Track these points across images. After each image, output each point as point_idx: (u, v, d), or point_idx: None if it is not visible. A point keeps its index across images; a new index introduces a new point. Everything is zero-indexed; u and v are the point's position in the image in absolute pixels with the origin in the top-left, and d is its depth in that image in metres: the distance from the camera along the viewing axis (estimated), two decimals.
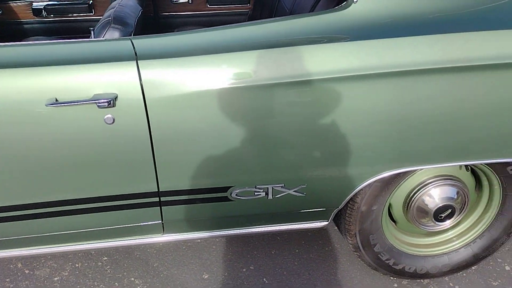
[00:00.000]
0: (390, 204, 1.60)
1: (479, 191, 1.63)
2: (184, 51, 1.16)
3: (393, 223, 1.67)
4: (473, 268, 1.76)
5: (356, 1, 1.22)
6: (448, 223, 1.57)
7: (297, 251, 1.86)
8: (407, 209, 1.56)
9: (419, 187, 1.52)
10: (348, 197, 1.39)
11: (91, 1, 2.47)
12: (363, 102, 1.21)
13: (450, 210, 1.53)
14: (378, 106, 1.22)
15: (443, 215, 1.54)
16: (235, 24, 1.24)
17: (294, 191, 1.35)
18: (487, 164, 1.44)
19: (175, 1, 2.70)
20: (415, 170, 1.44)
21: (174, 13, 2.73)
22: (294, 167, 1.29)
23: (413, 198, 1.54)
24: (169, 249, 1.87)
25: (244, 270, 1.78)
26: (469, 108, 1.25)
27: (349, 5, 1.22)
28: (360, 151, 1.28)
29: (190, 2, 2.70)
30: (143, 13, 1.97)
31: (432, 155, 1.33)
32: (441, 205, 1.51)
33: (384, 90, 1.20)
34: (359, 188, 1.36)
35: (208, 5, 2.71)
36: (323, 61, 1.17)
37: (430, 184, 1.51)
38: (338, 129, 1.23)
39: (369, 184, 1.39)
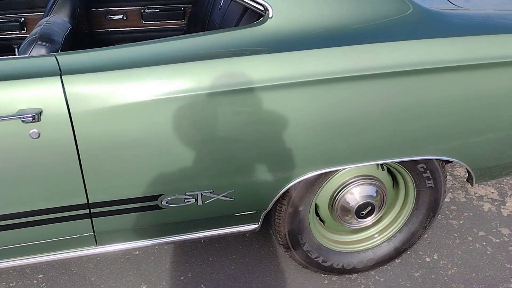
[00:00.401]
0: (317, 205, 1.71)
1: (396, 189, 1.77)
2: (108, 66, 1.21)
3: (322, 223, 1.78)
4: (396, 261, 1.89)
5: (272, 17, 1.32)
6: (369, 219, 1.69)
7: (234, 256, 1.92)
8: (332, 208, 1.67)
9: (341, 187, 1.64)
10: (275, 199, 1.47)
11: (22, 19, 2.45)
12: (284, 109, 1.30)
13: (370, 207, 1.66)
14: (299, 112, 1.31)
15: (364, 212, 1.66)
16: (158, 39, 1.31)
17: (223, 196, 1.42)
18: (399, 162, 1.58)
19: (110, 17, 2.73)
20: (336, 171, 1.55)
21: (109, 30, 2.76)
22: (220, 172, 1.36)
23: (336, 198, 1.65)
24: (107, 263, 1.88)
25: (182, 278, 1.82)
26: (378, 112, 1.37)
27: (266, 20, 1.32)
28: (284, 154, 1.37)
29: (125, 18, 2.73)
30: (75, 30, 1.99)
31: (350, 156, 1.44)
32: (361, 202, 1.64)
33: (302, 97, 1.30)
34: (284, 190, 1.45)
35: (143, 21, 2.75)
36: (243, 72, 1.25)
37: (351, 184, 1.63)
38: (261, 134, 1.32)
39: (294, 186, 1.49)
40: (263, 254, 1.93)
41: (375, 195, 1.66)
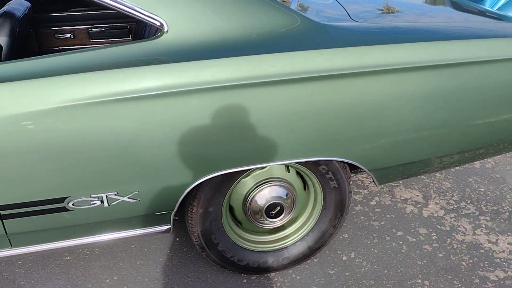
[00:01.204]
0: (232, 206, 1.82)
1: (308, 191, 1.89)
2: (10, 77, 1.32)
3: (240, 224, 1.88)
4: (315, 260, 2.00)
5: (167, 31, 1.44)
6: (279, 219, 1.80)
7: (161, 259, 2.02)
8: (245, 209, 1.78)
9: (251, 189, 1.75)
10: (179, 200, 1.58)
11: None
12: (181, 113, 1.41)
13: (279, 208, 1.77)
14: (194, 116, 1.42)
15: (273, 212, 1.78)
16: (62, 52, 1.42)
17: (128, 197, 1.52)
18: (302, 164, 1.69)
19: (59, 36, 2.85)
20: (246, 173, 1.66)
21: (57, 48, 2.88)
22: (123, 175, 1.46)
23: (247, 200, 1.76)
24: (38, 268, 1.96)
25: (107, 280, 1.90)
26: (273, 117, 1.49)
27: (162, 35, 1.45)
28: (184, 157, 1.48)
29: (73, 37, 2.86)
30: (23, 48, 2.10)
31: (248, 158, 1.54)
32: (270, 203, 1.75)
33: (196, 103, 1.41)
34: (187, 191, 1.55)
35: (90, 40, 2.88)
36: (137, 81, 1.37)
37: (261, 186, 1.75)
38: (161, 138, 1.43)
39: (202, 187, 1.60)
40: (189, 257, 2.02)
41: (284, 196, 1.77)
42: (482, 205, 2.37)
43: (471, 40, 1.65)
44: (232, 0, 1.48)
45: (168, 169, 1.49)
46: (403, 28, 1.73)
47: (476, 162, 2.77)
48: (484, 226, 2.22)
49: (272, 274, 1.93)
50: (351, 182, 1.81)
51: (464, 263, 1.98)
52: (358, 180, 2.58)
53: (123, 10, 1.39)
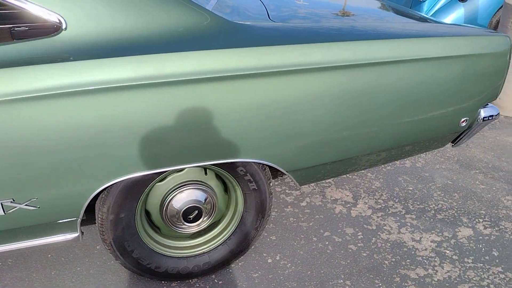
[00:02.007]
0: (149, 212, 1.75)
1: (229, 193, 1.85)
2: None
3: (159, 229, 1.82)
4: (239, 264, 1.96)
5: (66, 28, 1.36)
6: (198, 224, 1.75)
7: (78, 269, 1.92)
8: (162, 214, 1.72)
9: (168, 193, 1.69)
10: (83, 207, 1.50)
11: None
12: (74, 116, 1.33)
13: (197, 212, 1.72)
14: (87, 119, 1.34)
15: (191, 216, 1.72)
16: None
17: (26, 205, 1.43)
18: (219, 166, 1.65)
19: None
20: (155, 176, 1.59)
21: None
22: (18, 180, 1.37)
23: (164, 204, 1.70)
24: None
25: None
26: (175, 118, 1.43)
27: (60, 32, 1.36)
28: (83, 162, 1.39)
29: None
30: None
31: (152, 162, 1.47)
32: (187, 207, 1.69)
33: (89, 105, 1.34)
34: (90, 197, 1.47)
35: (13, 39, 2.74)
36: (29, 81, 1.28)
37: (177, 190, 1.69)
38: (57, 143, 1.35)
39: (110, 193, 1.53)
40: (108, 266, 1.94)
41: (202, 200, 1.72)
42: (409, 204, 2.41)
43: (387, 40, 1.66)
44: None
45: (67, 174, 1.41)
46: (320, 29, 1.72)
47: (406, 162, 2.83)
48: (409, 224, 2.25)
49: (194, 280, 1.87)
50: (271, 184, 1.78)
51: (386, 262, 2.00)
52: (291, 181, 2.56)
53: (18, 5, 1.30)
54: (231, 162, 1.63)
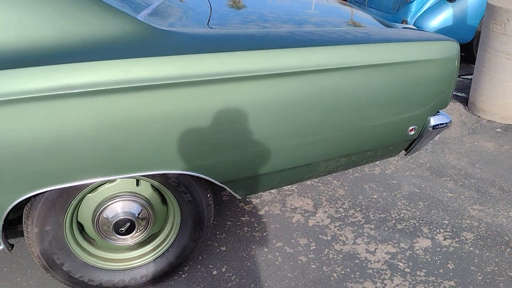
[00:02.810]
0: (82, 224, 1.71)
1: (167, 205, 1.80)
2: None
3: (94, 242, 1.78)
4: (183, 276, 1.91)
5: None
6: (131, 236, 1.70)
7: (19, 279, 1.89)
8: (94, 227, 1.68)
9: (99, 205, 1.65)
10: (1, 219, 1.46)
11: None
12: None
13: (129, 224, 1.67)
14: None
15: (123, 229, 1.68)
16: None
17: None
18: (149, 177, 1.60)
19: None
20: (80, 187, 1.55)
21: None
22: None
23: (95, 216, 1.66)
24: None
25: None
26: (90, 130, 1.38)
27: None
28: None
29: None
30: None
31: (70, 173, 1.42)
32: (118, 219, 1.65)
33: (5, 117, 1.30)
34: (7, 210, 1.44)
35: None
36: None
37: (108, 202, 1.65)
38: None
39: (33, 205, 1.49)
40: (49, 276, 1.90)
41: (135, 212, 1.67)
42: (370, 213, 2.33)
43: (322, 46, 1.60)
44: (48, 1, 1.37)
45: None
46: (256, 36, 1.65)
47: (376, 168, 2.75)
48: (366, 235, 2.18)
49: None
50: (209, 195, 1.73)
51: (335, 275, 1.93)
52: None
53: None
54: (163, 173, 1.58)
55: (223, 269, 1.96)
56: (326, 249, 2.08)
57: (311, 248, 2.09)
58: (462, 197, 2.47)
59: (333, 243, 2.12)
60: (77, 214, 1.69)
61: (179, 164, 1.54)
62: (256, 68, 1.50)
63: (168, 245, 1.80)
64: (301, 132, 1.62)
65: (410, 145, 1.94)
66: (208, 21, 1.76)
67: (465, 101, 3.78)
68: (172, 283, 1.89)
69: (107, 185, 1.66)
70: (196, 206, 1.72)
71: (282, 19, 1.90)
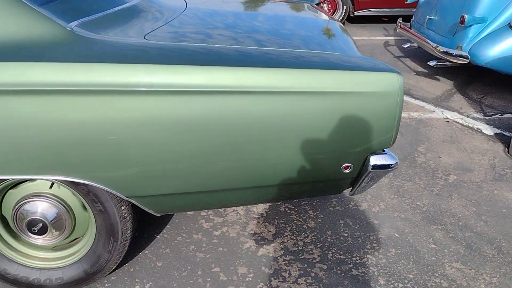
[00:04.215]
0: (5, 217, 1.77)
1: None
2: None
3: (19, 237, 1.83)
4: (106, 285, 1.90)
5: None
6: (43, 237, 1.73)
7: None
8: (14, 223, 1.73)
9: (17, 202, 1.69)
10: None
11: None
12: None
13: (41, 225, 1.70)
14: None
15: (35, 229, 1.71)
16: None
17: None
18: (60, 181, 1.61)
19: None
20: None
21: None
22: None
23: (14, 212, 1.71)
24: None
25: None
26: None
27: None
28: None
29: None
30: None
31: None
32: (30, 218, 1.68)
33: None
34: None
35: None
36: None
37: (25, 200, 1.69)
38: None
39: None
40: None
41: (47, 213, 1.69)
42: (330, 252, 2.14)
43: (243, 67, 1.49)
44: None
45: None
46: (181, 50, 1.57)
47: (363, 203, 2.51)
48: (313, 275, 1.99)
49: None
50: (124, 207, 1.69)
51: None
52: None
53: None
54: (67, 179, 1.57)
55: (147, 286, 1.91)
56: (261, 283, 1.94)
57: (246, 279, 1.96)
58: (446, 251, 2.16)
59: (272, 278, 1.97)
60: (0, 208, 1.75)
61: (72, 172, 1.51)
62: (155, 82, 1.43)
63: (84, 252, 1.80)
64: (203, 156, 1.52)
65: (354, 185, 1.74)
66: (150, 32, 1.73)
67: (508, 142, 3.34)
68: None
69: (28, 183, 1.69)
70: (108, 217, 1.69)
71: (231, 36, 1.81)
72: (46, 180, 1.63)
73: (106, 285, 1.91)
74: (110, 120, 1.45)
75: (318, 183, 1.68)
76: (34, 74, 1.40)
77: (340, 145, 1.57)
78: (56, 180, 1.58)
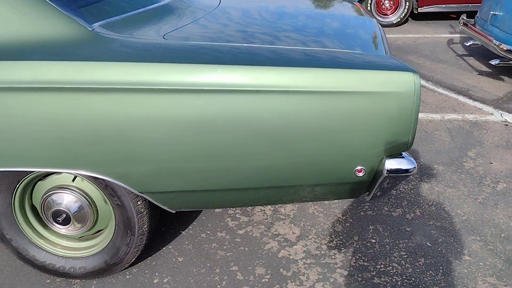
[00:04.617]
0: (35, 207, 1.90)
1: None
2: None
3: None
4: (126, 277, 1.97)
5: None
6: (67, 227, 1.82)
7: None
8: (41, 212, 1.85)
9: (45, 193, 1.80)
10: None
11: None
12: None
13: (64, 215, 1.80)
14: None
15: (60, 219, 1.80)
16: None
17: None
18: (81, 175, 1.69)
19: None
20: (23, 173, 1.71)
21: None
22: None
23: (42, 203, 1.82)
24: None
25: None
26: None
27: None
28: None
29: None
30: None
31: None
32: (54, 209, 1.78)
33: None
34: None
35: None
36: None
37: (52, 192, 1.79)
38: None
39: None
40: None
41: (70, 205, 1.79)
42: (353, 258, 2.06)
43: (241, 66, 1.48)
44: None
45: None
46: (195, 49, 1.59)
47: (397, 210, 2.40)
48: (331, 280, 1.94)
49: (77, 281, 1.95)
50: (140, 202, 1.74)
51: None
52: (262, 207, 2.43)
53: None
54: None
55: (165, 280, 1.95)
56: (277, 285, 1.91)
57: (263, 280, 1.94)
58: (481, 264, 2.01)
59: (288, 281, 1.94)
60: (31, 198, 1.87)
61: (87, 166, 1.57)
62: (163, 81, 1.46)
63: (105, 243, 1.87)
64: (211, 155, 1.52)
65: (371, 189, 1.66)
66: (171, 31, 1.76)
67: None
68: (113, 280, 1.95)
69: (55, 176, 1.79)
70: (125, 211, 1.75)
71: (248, 35, 1.80)
72: (68, 173, 1.72)
73: (128, 276, 1.97)
74: (122, 117, 1.49)
75: (331, 186, 1.63)
76: (53, 72, 1.47)
77: (351, 147, 1.51)
78: (76, 173, 1.66)
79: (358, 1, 5.90)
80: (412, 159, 1.56)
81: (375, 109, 1.45)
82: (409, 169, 1.54)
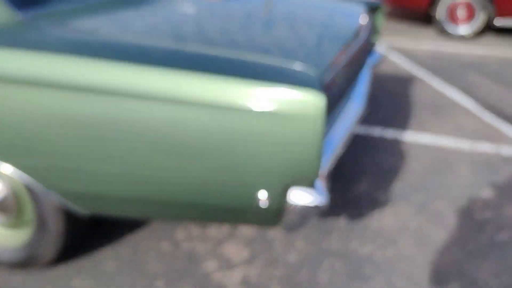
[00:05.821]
0: None
1: None
2: None
3: None
4: (47, 274, 1.91)
5: None
6: None
7: None
8: None
9: None
10: None
11: None
12: None
13: None
14: None
15: None
16: None
17: None
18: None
19: None
20: None
21: None
22: None
23: None
24: None
25: None
26: None
27: None
28: None
29: None
30: None
31: None
32: None
33: None
34: None
35: None
36: None
37: None
38: None
39: None
40: None
41: None
42: (295, 279, 1.84)
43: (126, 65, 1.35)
44: None
45: None
46: (112, 44, 1.48)
47: (369, 246, 2.12)
48: None
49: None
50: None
51: None
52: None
53: None
54: None
55: (86, 283, 1.86)
56: None
57: None
58: None
59: None
60: None
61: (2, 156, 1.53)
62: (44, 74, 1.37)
63: (26, 236, 1.82)
64: (95, 158, 1.41)
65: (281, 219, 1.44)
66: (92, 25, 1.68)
67: None
68: (29, 277, 1.90)
69: None
70: (41, 205, 1.69)
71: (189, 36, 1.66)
72: None
73: (48, 273, 1.91)
74: (18, 110, 1.42)
75: (232, 210, 1.43)
76: None
77: (247, 169, 1.30)
78: None
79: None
80: (323, 191, 1.32)
81: (272, 131, 1.24)
82: (314, 202, 1.30)
